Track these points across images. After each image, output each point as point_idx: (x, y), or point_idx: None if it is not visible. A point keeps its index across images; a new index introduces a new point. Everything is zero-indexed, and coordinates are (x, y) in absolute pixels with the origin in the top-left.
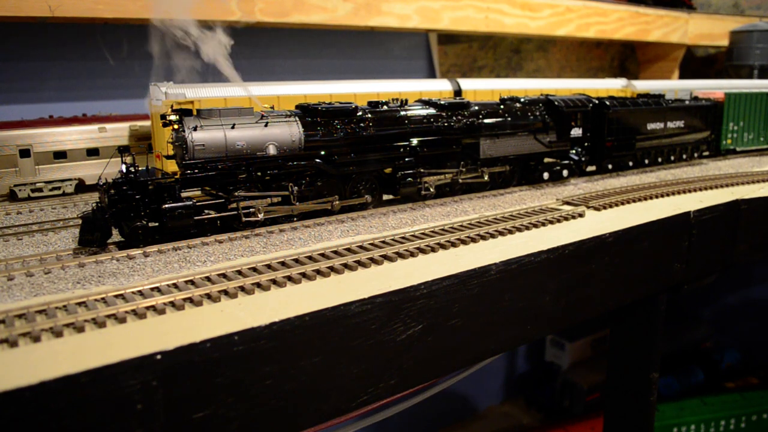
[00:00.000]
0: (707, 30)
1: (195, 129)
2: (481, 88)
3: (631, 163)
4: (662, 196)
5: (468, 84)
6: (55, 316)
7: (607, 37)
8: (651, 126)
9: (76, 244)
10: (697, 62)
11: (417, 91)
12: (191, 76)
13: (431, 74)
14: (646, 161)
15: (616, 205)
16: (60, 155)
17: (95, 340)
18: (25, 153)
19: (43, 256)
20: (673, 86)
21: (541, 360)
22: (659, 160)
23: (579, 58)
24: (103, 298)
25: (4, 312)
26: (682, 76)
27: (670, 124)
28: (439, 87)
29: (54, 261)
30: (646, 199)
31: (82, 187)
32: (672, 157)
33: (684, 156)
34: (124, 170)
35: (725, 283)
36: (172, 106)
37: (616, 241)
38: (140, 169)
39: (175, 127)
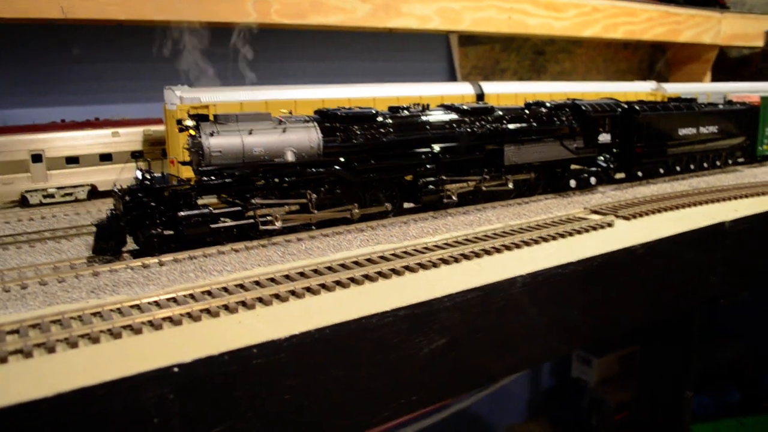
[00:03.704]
0: (741, 30)
1: (212, 135)
2: (505, 92)
3: (662, 170)
4: (695, 205)
5: (491, 87)
6: (70, 326)
7: (635, 38)
8: (683, 131)
9: (90, 252)
10: (731, 63)
11: (438, 95)
12: (207, 80)
13: (452, 76)
14: (678, 168)
15: (647, 214)
16: (72, 160)
17: (111, 351)
18: (37, 158)
19: (57, 264)
20: (706, 89)
21: (566, 376)
22: (691, 166)
23: (606, 59)
24: (118, 308)
25: (19, 322)
26: (714, 78)
27: (702, 129)
28: (461, 91)
29: (68, 269)
30: (678, 208)
31: (94, 193)
32: (705, 164)
33: (717, 162)
34: (140, 177)
35: (763, 296)
36: (188, 111)
37: (647, 253)
38: (155, 175)
39: (192, 132)
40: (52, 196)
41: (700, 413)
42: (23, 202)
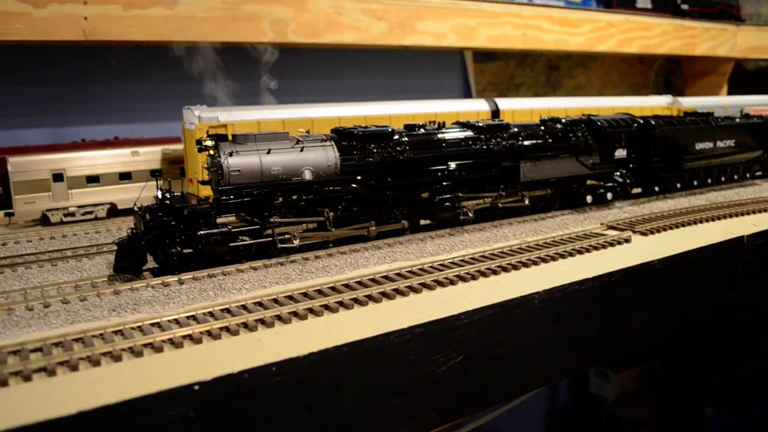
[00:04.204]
0: (757, 42)
1: (231, 154)
2: (520, 108)
3: (679, 185)
4: (713, 219)
5: (506, 104)
6: (92, 344)
7: (650, 52)
8: (700, 145)
9: (111, 271)
10: (748, 76)
11: (453, 111)
12: (225, 99)
13: (467, 93)
14: (695, 182)
15: (664, 229)
16: (93, 179)
17: (133, 369)
18: (58, 177)
19: (78, 282)
20: (722, 102)
21: (585, 392)
22: (709, 181)
23: (621, 74)
24: (139, 327)
25: (42, 340)
26: (731, 91)
27: (720, 144)
28: (476, 107)
29: (89, 288)
30: (695, 222)
31: (114, 211)
32: (723, 178)
33: (735, 177)
34: (160, 196)
35: None
36: (207, 131)
37: (664, 268)
38: (175, 194)
39: (211, 152)
40: (72, 214)
41: (720, 430)
42: (44, 220)
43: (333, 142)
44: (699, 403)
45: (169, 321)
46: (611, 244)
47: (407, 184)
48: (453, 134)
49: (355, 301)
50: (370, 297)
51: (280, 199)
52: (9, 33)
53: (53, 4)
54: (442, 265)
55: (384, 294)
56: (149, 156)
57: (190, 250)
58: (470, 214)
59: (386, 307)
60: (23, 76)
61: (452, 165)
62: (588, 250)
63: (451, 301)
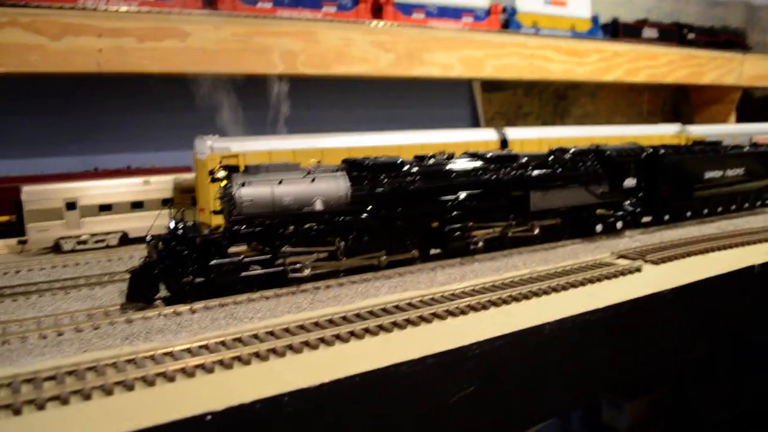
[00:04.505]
0: (764, 70)
1: (243, 185)
2: (528, 137)
3: (688, 213)
4: (723, 248)
5: (514, 133)
6: (105, 373)
7: (657, 81)
8: (709, 174)
9: (124, 299)
10: (756, 104)
11: (462, 141)
12: (236, 129)
13: (475, 122)
14: (705, 211)
15: (675, 258)
16: (105, 208)
17: (146, 399)
18: (71, 206)
19: (91, 311)
20: (731, 130)
21: (597, 422)
22: (719, 209)
23: (629, 102)
24: (151, 356)
25: (55, 368)
26: (739, 119)
27: (729, 172)
28: (485, 137)
29: (102, 316)
30: (706, 251)
31: (125, 239)
32: (732, 207)
33: (745, 205)
34: (172, 225)
35: None
36: (220, 161)
37: (675, 298)
38: (187, 223)
39: (224, 182)
40: (84, 242)
41: None
42: (57, 248)
43: (344, 173)
44: (712, 430)
45: (181, 350)
46: (622, 274)
47: (417, 214)
48: (462, 165)
49: (366, 331)
50: (381, 327)
51: (292, 228)
52: (25, 64)
53: (68, 36)
54: (452, 294)
55: (395, 324)
56: (161, 185)
57: (202, 279)
58: (480, 244)
59: (397, 337)
60: (37, 105)
61: (462, 195)
62: (599, 280)
63: (463, 331)
